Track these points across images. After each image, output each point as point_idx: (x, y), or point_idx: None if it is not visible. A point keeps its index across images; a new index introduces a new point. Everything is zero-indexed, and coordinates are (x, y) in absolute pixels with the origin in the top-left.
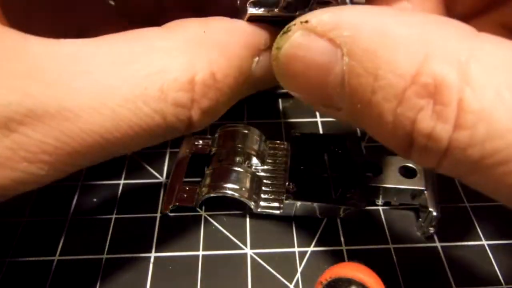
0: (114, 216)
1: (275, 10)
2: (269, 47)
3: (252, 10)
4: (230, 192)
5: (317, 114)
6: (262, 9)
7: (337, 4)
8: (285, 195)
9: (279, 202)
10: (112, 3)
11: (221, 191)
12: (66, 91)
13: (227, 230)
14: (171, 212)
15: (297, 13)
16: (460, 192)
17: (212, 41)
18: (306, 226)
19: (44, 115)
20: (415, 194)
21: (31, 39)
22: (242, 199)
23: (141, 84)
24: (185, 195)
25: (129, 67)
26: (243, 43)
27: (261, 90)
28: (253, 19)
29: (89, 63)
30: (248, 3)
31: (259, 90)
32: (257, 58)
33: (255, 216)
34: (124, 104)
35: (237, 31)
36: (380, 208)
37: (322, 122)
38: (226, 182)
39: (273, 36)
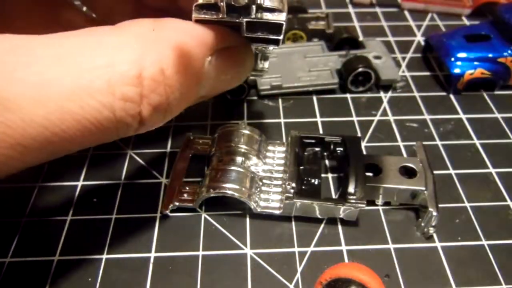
0: (114, 216)
1: (219, 15)
2: (222, 48)
3: (196, 15)
4: (230, 192)
5: (317, 114)
6: (207, 14)
7: (282, 11)
8: (285, 195)
9: (279, 202)
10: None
11: (221, 191)
12: (6, 81)
13: (227, 230)
14: (171, 212)
15: (241, 19)
16: (460, 192)
17: (163, 38)
18: (306, 226)
19: None
20: (415, 194)
21: None
22: (242, 199)
23: (87, 77)
24: (185, 195)
25: (74, 59)
26: (194, 42)
27: (225, 92)
28: (200, 22)
29: (31, 55)
30: (193, 7)
31: (220, 93)
32: (209, 58)
33: (255, 216)
34: (68, 96)
35: (188, 30)
36: (380, 208)
37: (322, 122)
38: (226, 182)
39: (226, 36)
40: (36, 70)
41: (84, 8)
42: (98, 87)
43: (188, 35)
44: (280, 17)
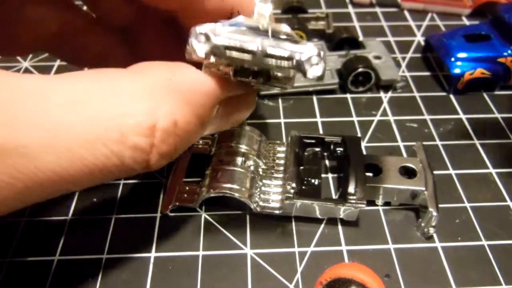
0: (114, 216)
1: (231, 78)
2: (228, 97)
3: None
4: (230, 192)
5: (317, 114)
6: (218, 70)
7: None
8: (285, 195)
9: (279, 202)
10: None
11: (221, 191)
12: (23, 128)
13: (227, 230)
14: (171, 212)
15: (250, 78)
16: (460, 192)
17: (177, 89)
18: (306, 226)
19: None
20: (415, 194)
21: None
22: (242, 199)
23: (101, 125)
24: (185, 195)
25: (90, 106)
26: (207, 94)
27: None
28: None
29: (48, 100)
30: (204, 63)
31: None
32: (217, 107)
33: (255, 216)
34: (82, 143)
35: (202, 82)
36: (380, 208)
37: (322, 122)
38: (226, 182)
39: (236, 87)
40: (51, 117)
41: (84, 8)
42: (112, 135)
43: (201, 87)
44: (290, 83)
